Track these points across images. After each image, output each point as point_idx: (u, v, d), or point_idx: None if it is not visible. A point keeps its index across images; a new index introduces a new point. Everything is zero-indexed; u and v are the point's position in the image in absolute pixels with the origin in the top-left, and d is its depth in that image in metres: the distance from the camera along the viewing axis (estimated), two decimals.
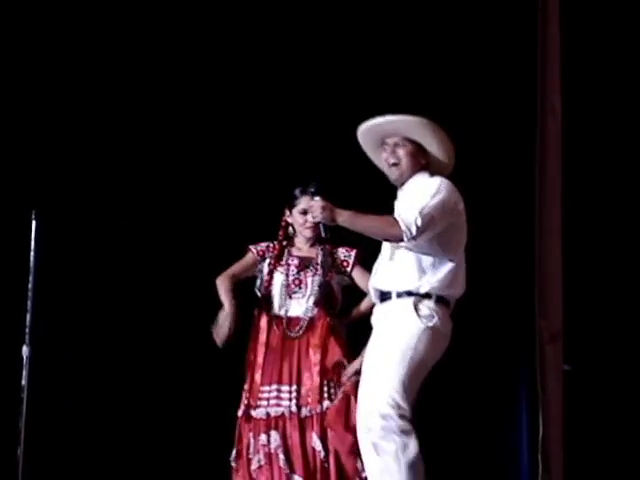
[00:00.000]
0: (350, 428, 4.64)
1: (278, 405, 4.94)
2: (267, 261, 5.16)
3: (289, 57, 6.08)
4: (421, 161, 4.52)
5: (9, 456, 4.95)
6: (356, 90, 5.99)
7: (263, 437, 4.91)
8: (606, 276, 5.95)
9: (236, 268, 5.15)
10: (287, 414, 4.92)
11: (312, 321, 5.05)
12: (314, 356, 4.98)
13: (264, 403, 4.96)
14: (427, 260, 4.40)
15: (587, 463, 5.70)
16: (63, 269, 5.69)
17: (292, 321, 5.07)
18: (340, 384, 4.91)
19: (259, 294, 5.16)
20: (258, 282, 5.18)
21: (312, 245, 5.16)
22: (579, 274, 5.81)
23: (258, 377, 5.01)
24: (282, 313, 5.08)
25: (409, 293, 4.39)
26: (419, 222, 4.27)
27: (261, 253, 5.17)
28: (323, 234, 4.60)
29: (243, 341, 5.11)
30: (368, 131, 4.58)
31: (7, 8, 5.80)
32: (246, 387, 5.04)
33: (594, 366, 5.86)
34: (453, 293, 4.45)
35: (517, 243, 5.88)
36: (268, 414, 4.94)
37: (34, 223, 4.93)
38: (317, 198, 4.45)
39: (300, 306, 5.08)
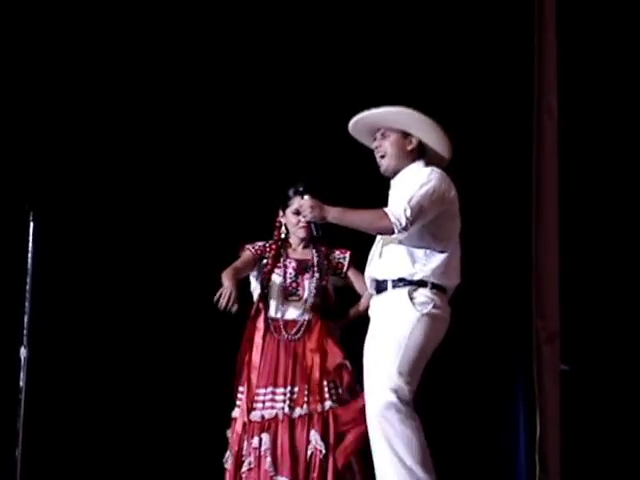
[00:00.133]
0: None
1: (272, 407, 4.95)
2: (264, 261, 5.16)
3: (286, 57, 6.08)
4: (407, 149, 4.53)
5: (7, 457, 4.94)
6: (352, 87, 5.98)
7: (255, 440, 4.92)
8: (603, 276, 5.96)
9: (237, 264, 5.12)
10: (280, 416, 4.92)
11: (309, 324, 5.06)
12: (313, 359, 4.99)
13: (259, 406, 4.97)
14: (419, 250, 4.42)
15: (584, 463, 5.71)
16: (61, 270, 5.68)
17: (289, 324, 5.07)
18: (343, 385, 4.94)
19: (255, 296, 5.16)
20: (253, 284, 5.18)
21: (306, 246, 5.16)
22: (576, 274, 5.82)
23: (254, 380, 5.01)
24: (279, 316, 5.08)
25: (404, 281, 4.41)
26: (408, 213, 4.30)
27: (259, 252, 5.15)
28: (315, 232, 4.64)
29: (241, 336, 5.13)
30: (355, 127, 4.64)
31: (7, 7, 5.78)
32: (242, 389, 5.03)
33: (591, 366, 5.87)
34: (448, 281, 4.46)
35: (514, 243, 5.88)
36: (263, 417, 4.95)
37: (32, 224, 4.93)
38: (306, 197, 4.48)
39: (297, 309, 5.08)
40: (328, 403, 4.93)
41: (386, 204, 4.46)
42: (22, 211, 4.99)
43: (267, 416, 4.94)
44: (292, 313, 5.08)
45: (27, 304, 4.92)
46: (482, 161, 6.00)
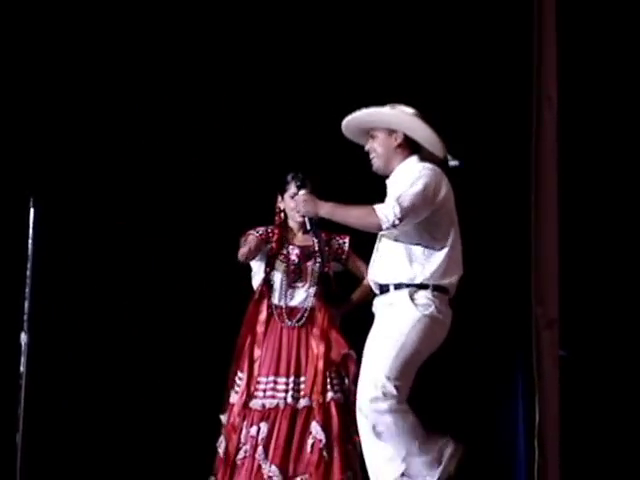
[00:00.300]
0: None
1: (273, 397, 4.96)
2: (268, 246, 5.15)
3: (284, 51, 6.09)
4: (394, 145, 4.54)
5: (8, 442, 4.95)
6: (350, 82, 6.00)
7: (254, 429, 4.93)
8: (603, 263, 5.97)
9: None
10: (281, 406, 4.93)
11: (312, 311, 5.07)
12: (317, 348, 4.99)
13: (260, 394, 4.98)
14: (418, 250, 4.43)
15: (584, 449, 5.71)
16: (61, 256, 5.70)
17: (292, 310, 5.08)
18: (350, 376, 4.94)
19: (255, 282, 5.17)
20: (254, 268, 5.18)
21: (306, 232, 5.17)
22: (575, 261, 5.82)
23: (256, 367, 5.02)
24: (282, 303, 5.08)
25: (405, 285, 4.43)
26: (397, 210, 4.31)
27: (263, 236, 5.15)
28: (308, 227, 4.70)
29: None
30: (348, 131, 4.67)
31: (7, 5, 5.80)
32: (241, 375, 5.03)
33: (590, 352, 5.88)
34: (449, 280, 4.47)
35: (513, 230, 5.88)
36: (263, 405, 4.96)
37: (32, 211, 4.94)
38: (302, 192, 4.60)
39: (300, 296, 5.09)
40: (330, 394, 4.95)
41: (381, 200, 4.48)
42: (23, 197, 5.00)
43: (268, 405, 4.95)
44: (295, 300, 5.09)
45: (27, 290, 4.93)
46: (481, 152, 6.01)
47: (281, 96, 6.07)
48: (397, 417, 4.29)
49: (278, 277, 5.11)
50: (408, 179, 4.43)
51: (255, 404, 4.97)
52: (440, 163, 4.56)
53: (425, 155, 4.57)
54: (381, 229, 4.38)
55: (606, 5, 6.15)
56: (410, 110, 4.57)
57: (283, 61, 6.09)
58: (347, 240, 5.20)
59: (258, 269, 5.16)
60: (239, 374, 5.06)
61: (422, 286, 4.41)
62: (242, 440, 4.95)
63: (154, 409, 5.79)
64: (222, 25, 6.08)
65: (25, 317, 4.90)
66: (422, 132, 4.53)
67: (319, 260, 5.11)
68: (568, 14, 5.97)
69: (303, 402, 4.94)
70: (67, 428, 5.67)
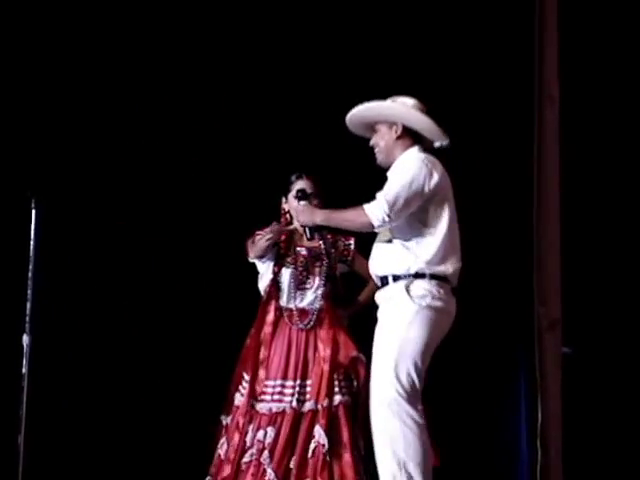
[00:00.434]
0: None
1: (280, 401, 4.93)
2: (275, 247, 5.14)
3: (286, 48, 6.08)
4: (394, 137, 4.56)
5: (10, 444, 4.94)
6: (353, 80, 5.99)
7: (261, 433, 4.90)
8: (605, 263, 5.97)
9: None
10: (287, 410, 4.91)
11: (321, 313, 5.06)
12: (324, 351, 4.97)
13: (267, 398, 4.96)
14: (411, 240, 4.43)
15: (586, 448, 5.72)
16: (63, 257, 5.69)
17: (301, 313, 5.06)
18: (360, 380, 4.92)
19: (262, 283, 5.16)
20: (261, 270, 5.17)
21: (308, 239, 5.14)
22: (578, 261, 5.82)
23: (263, 370, 5.00)
24: (291, 305, 5.07)
25: (403, 276, 4.42)
26: (385, 207, 4.34)
27: (283, 225, 5.17)
28: (309, 236, 4.76)
29: (241, 335, 5.14)
30: (353, 126, 4.70)
31: (7, 5, 5.79)
32: (247, 377, 5.02)
33: (593, 353, 5.88)
34: (446, 269, 4.44)
35: (515, 230, 5.89)
36: (270, 409, 4.93)
37: (34, 212, 4.93)
38: (302, 203, 4.71)
39: (309, 297, 5.08)
40: (338, 397, 4.92)
41: None
42: (24, 198, 4.99)
43: (275, 409, 4.93)
44: (304, 302, 5.08)
45: (29, 291, 4.91)
46: (483, 150, 6.01)
47: (283, 95, 6.06)
48: (407, 426, 4.29)
49: (286, 279, 5.10)
50: (396, 173, 4.47)
51: (262, 408, 4.94)
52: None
53: (428, 145, 4.59)
54: (373, 227, 4.41)
55: (607, 4, 6.15)
56: (411, 101, 4.58)
57: (286, 59, 6.07)
58: (352, 241, 5.20)
59: (266, 270, 5.15)
60: (245, 376, 5.03)
61: (418, 275, 4.41)
62: (248, 443, 4.92)
63: (155, 410, 5.77)
64: (225, 24, 6.07)
65: (27, 318, 4.88)
66: (420, 122, 4.55)
67: (326, 261, 5.11)
68: (569, 13, 5.99)
69: (308, 405, 4.92)
70: (69, 429, 5.65)
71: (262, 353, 5.02)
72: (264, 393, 4.97)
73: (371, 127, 4.64)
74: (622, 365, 5.90)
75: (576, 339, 5.73)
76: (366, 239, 4.76)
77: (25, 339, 4.89)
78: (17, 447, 4.86)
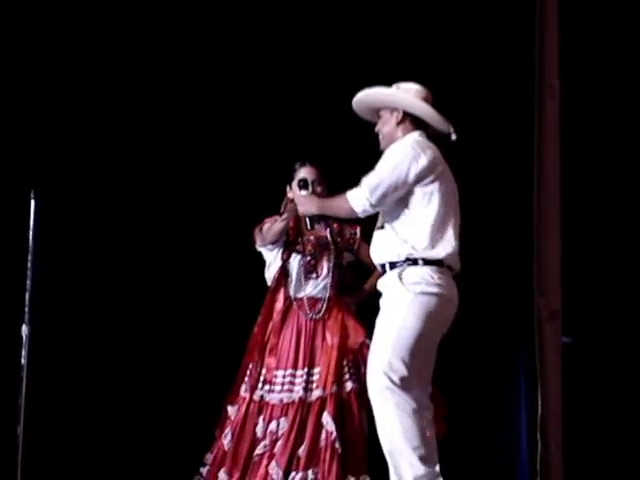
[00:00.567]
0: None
1: (291, 391, 4.94)
2: (283, 239, 5.13)
3: (290, 37, 6.08)
4: (395, 123, 4.57)
5: (9, 435, 4.94)
6: (355, 69, 5.97)
7: (273, 424, 4.90)
8: (605, 254, 5.97)
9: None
10: (297, 400, 4.90)
11: (330, 302, 5.05)
12: (332, 339, 4.97)
13: (278, 388, 4.97)
14: (400, 226, 4.42)
15: (586, 440, 5.71)
16: (62, 249, 5.71)
17: (311, 302, 5.07)
18: (366, 364, 4.91)
19: (269, 272, 5.14)
20: (269, 259, 5.16)
21: (308, 230, 5.14)
22: (578, 252, 5.81)
23: (273, 360, 4.99)
24: (300, 294, 5.07)
25: (397, 262, 4.41)
26: (367, 193, 4.35)
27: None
28: (309, 226, 4.81)
29: (245, 326, 5.13)
30: (359, 111, 4.71)
31: (7, 5, 5.78)
32: (253, 367, 5.02)
33: (593, 344, 5.88)
34: (437, 253, 4.39)
35: (515, 222, 5.88)
36: (281, 400, 4.94)
37: (33, 202, 4.93)
38: (303, 193, 4.70)
39: (318, 287, 5.08)
40: (349, 384, 4.93)
41: None
42: (23, 190, 4.98)
43: (286, 400, 4.93)
44: (313, 291, 5.09)
45: (28, 282, 4.91)
46: (484, 143, 6.01)
47: (287, 83, 6.07)
48: (405, 412, 4.28)
49: (295, 268, 5.10)
50: (384, 157, 4.48)
51: (273, 398, 4.95)
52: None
53: (433, 132, 4.58)
54: (357, 215, 4.42)
55: None
56: (414, 87, 4.59)
57: (291, 48, 6.07)
58: (358, 230, 5.21)
59: (273, 259, 5.15)
60: (251, 366, 5.04)
61: (410, 261, 4.38)
62: (259, 435, 4.92)
63: (155, 402, 5.79)
64: (226, 14, 6.07)
65: (26, 309, 4.88)
66: (420, 108, 4.56)
67: (333, 250, 5.10)
68: (570, 5, 5.96)
69: (317, 393, 4.91)
70: (68, 420, 5.67)
71: (271, 341, 5.02)
72: (274, 383, 4.97)
73: (376, 113, 4.66)
74: (623, 356, 5.89)
75: (576, 330, 5.73)
76: (372, 227, 4.76)
77: (24, 330, 4.89)
78: (16, 438, 4.87)
